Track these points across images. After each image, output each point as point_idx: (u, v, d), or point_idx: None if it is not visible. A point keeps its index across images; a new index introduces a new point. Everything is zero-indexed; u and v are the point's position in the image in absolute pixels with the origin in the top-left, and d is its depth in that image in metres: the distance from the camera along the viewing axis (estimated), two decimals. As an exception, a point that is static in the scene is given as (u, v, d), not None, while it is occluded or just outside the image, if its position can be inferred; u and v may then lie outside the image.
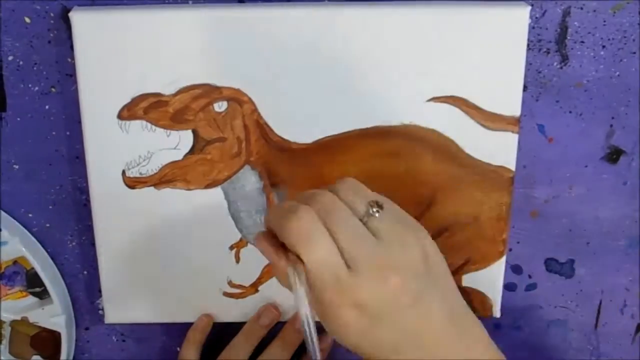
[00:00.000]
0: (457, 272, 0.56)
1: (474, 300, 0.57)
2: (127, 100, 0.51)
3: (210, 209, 0.54)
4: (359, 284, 0.39)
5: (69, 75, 0.53)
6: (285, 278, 0.41)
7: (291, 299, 0.56)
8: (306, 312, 0.40)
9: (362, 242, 0.40)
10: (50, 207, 0.57)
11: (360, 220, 0.41)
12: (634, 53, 0.53)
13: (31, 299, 0.59)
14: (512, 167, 0.53)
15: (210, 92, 0.51)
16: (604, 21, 0.52)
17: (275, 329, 0.58)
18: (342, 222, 0.40)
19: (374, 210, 0.41)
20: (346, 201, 0.41)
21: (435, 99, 0.52)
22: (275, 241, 0.42)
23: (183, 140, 0.52)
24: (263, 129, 0.52)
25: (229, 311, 0.57)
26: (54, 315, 0.58)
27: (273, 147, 0.53)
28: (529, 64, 0.53)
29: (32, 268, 0.57)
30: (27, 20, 0.52)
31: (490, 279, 0.56)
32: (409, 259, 0.40)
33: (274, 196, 0.48)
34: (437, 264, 0.43)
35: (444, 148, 0.53)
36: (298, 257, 0.40)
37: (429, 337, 0.41)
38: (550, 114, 0.55)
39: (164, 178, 0.53)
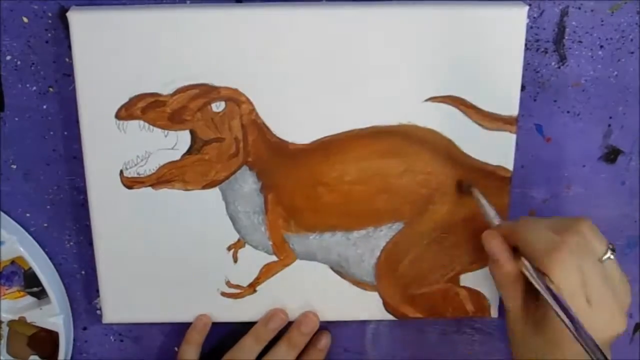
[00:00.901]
0: (455, 271, 0.56)
1: (472, 300, 0.57)
2: (124, 100, 0.51)
3: (208, 210, 0.54)
4: (598, 320, 0.46)
5: (67, 75, 0.53)
6: (510, 280, 0.49)
7: (294, 300, 0.57)
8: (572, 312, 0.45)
9: (602, 282, 0.46)
10: (48, 206, 0.57)
11: (599, 259, 0.47)
12: (632, 53, 0.53)
13: (29, 299, 0.59)
14: (510, 166, 0.53)
15: (208, 92, 0.51)
16: (602, 21, 0.52)
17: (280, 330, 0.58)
18: (588, 263, 0.46)
19: (611, 253, 0.47)
20: (590, 243, 0.47)
21: (433, 99, 0.52)
22: (507, 246, 0.49)
23: (181, 140, 0.52)
24: (261, 129, 0.52)
25: (227, 311, 0.57)
26: (52, 315, 0.58)
27: (271, 147, 0.52)
28: (526, 64, 0.53)
29: (30, 268, 0.57)
30: (25, 20, 0.52)
31: (488, 279, 0.56)
32: (627, 308, 0.48)
33: (487, 210, 0.51)
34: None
35: (442, 148, 0.53)
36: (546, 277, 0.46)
37: None
38: (548, 113, 0.55)
39: (162, 178, 0.53)
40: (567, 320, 0.44)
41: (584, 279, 0.46)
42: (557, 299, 0.45)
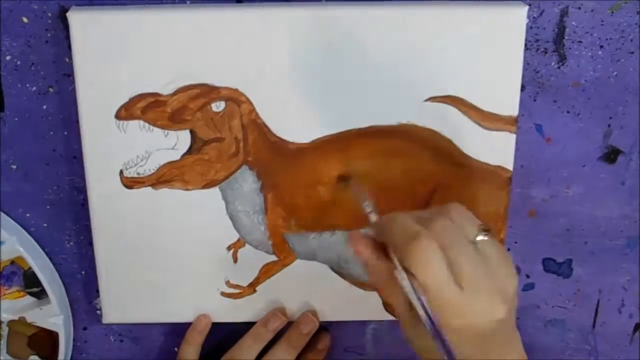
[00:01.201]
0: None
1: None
2: (124, 100, 0.51)
3: (208, 209, 0.54)
4: (474, 306, 0.42)
5: (67, 75, 0.53)
6: (384, 279, 0.44)
7: (294, 300, 0.57)
8: (429, 312, 0.42)
9: (474, 264, 0.42)
10: (48, 207, 0.57)
11: (471, 243, 0.43)
12: (632, 53, 0.53)
13: (29, 299, 0.59)
14: (510, 166, 0.53)
15: (208, 92, 0.51)
16: (602, 21, 0.52)
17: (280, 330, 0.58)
18: (456, 245, 0.42)
19: (484, 234, 0.43)
20: (458, 225, 0.44)
21: (433, 99, 0.52)
22: (373, 244, 0.45)
23: (181, 140, 0.52)
24: (261, 129, 0.52)
25: (227, 311, 0.57)
26: (52, 315, 0.58)
27: (271, 147, 0.52)
28: (526, 64, 0.53)
29: (30, 268, 0.57)
30: (25, 20, 0.52)
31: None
32: (512, 290, 0.43)
33: (365, 205, 0.49)
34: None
35: (441, 148, 0.53)
36: (409, 272, 0.42)
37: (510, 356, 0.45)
38: (548, 113, 0.55)
39: (162, 178, 0.53)
40: (423, 315, 0.41)
41: (453, 263, 0.42)
42: (413, 292, 0.42)
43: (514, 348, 0.45)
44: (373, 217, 0.48)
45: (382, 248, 0.45)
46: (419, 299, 0.42)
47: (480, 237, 0.43)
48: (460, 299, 0.42)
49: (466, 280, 0.42)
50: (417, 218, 0.44)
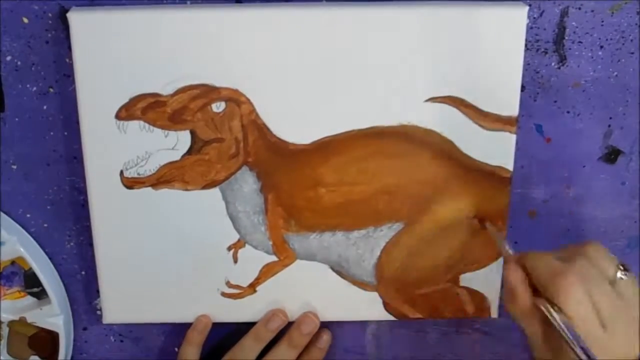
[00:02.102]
0: (455, 271, 0.56)
1: (472, 300, 0.57)
2: (124, 100, 0.51)
3: (208, 210, 0.54)
4: (613, 343, 0.45)
5: (67, 75, 0.53)
6: (525, 309, 0.47)
7: (294, 300, 0.57)
8: (581, 343, 0.44)
9: (615, 306, 0.45)
10: (48, 207, 0.57)
11: (610, 282, 0.46)
12: (632, 53, 0.53)
13: (29, 299, 0.59)
14: (510, 167, 0.53)
15: (208, 92, 0.51)
16: (602, 21, 0.52)
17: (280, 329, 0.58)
18: (598, 287, 0.45)
19: (622, 273, 0.46)
20: (598, 266, 0.46)
21: (433, 99, 0.52)
22: (525, 276, 0.48)
23: (181, 140, 0.52)
24: (261, 129, 0.52)
25: (227, 311, 0.57)
26: (52, 315, 0.58)
27: (271, 147, 0.52)
28: (526, 64, 0.53)
29: (30, 268, 0.57)
30: (25, 20, 0.52)
31: (488, 279, 0.56)
32: None
33: (503, 245, 0.51)
34: None
35: (441, 148, 0.53)
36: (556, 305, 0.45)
37: None
38: (548, 114, 0.55)
39: (162, 178, 0.53)
40: (578, 350, 0.44)
41: (595, 303, 0.45)
42: (567, 328, 0.44)
43: None
44: (511, 251, 0.50)
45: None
46: (568, 330, 0.44)
47: (619, 276, 0.46)
48: (602, 337, 0.44)
49: (606, 320, 0.44)
50: (558, 256, 0.47)
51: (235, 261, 0.56)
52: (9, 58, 0.53)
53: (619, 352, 0.45)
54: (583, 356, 0.44)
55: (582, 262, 0.46)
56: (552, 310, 0.45)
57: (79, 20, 0.50)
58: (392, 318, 0.58)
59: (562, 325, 0.44)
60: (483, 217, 0.54)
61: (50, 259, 0.58)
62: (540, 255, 0.48)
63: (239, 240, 0.55)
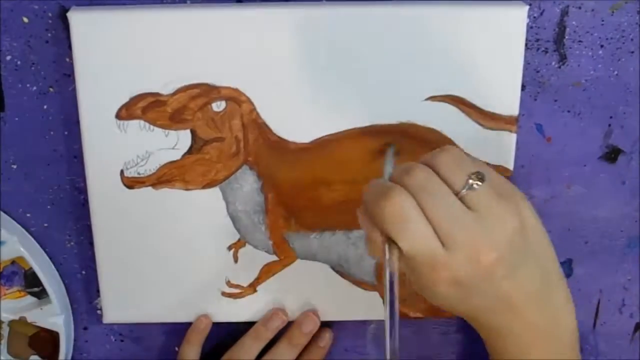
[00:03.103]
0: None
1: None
2: (125, 100, 0.51)
3: (208, 209, 0.54)
4: (455, 262, 0.40)
5: (67, 75, 0.53)
6: (381, 253, 0.41)
7: (294, 299, 0.57)
8: (393, 299, 0.41)
9: (457, 220, 0.40)
10: (49, 207, 0.57)
11: (458, 194, 0.40)
12: (633, 52, 0.53)
13: (29, 299, 0.59)
14: (510, 166, 0.53)
15: (208, 91, 0.51)
16: (602, 21, 0.52)
17: (280, 329, 0.58)
18: (437, 201, 0.40)
19: (473, 183, 0.40)
20: (444, 176, 0.41)
21: (433, 98, 0.52)
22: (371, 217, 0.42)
23: (181, 140, 0.52)
24: (261, 128, 0.52)
25: (228, 311, 0.57)
26: (53, 315, 0.58)
27: (271, 146, 0.52)
28: (527, 64, 0.53)
29: (31, 268, 0.57)
30: (25, 20, 0.52)
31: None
32: (505, 233, 0.41)
33: (387, 154, 0.48)
34: (534, 232, 0.43)
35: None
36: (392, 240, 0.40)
37: (520, 302, 0.43)
38: (549, 113, 0.55)
39: (162, 178, 0.53)
40: (386, 306, 0.40)
41: (432, 219, 0.39)
42: (389, 274, 0.40)
43: (505, 295, 0.42)
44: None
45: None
46: (388, 272, 0.40)
47: (464, 191, 0.40)
48: (443, 255, 0.40)
49: (447, 236, 0.40)
50: (401, 169, 0.41)
51: (236, 261, 0.56)
52: (9, 58, 0.53)
53: (465, 273, 0.40)
54: (387, 312, 0.40)
55: (420, 174, 0.40)
56: (385, 247, 0.40)
57: (79, 20, 0.50)
58: (392, 318, 0.57)
59: (386, 269, 0.40)
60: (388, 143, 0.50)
61: (50, 258, 0.58)
62: (372, 182, 0.42)
63: (239, 240, 0.55)
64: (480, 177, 0.41)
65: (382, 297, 0.43)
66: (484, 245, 0.40)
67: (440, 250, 0.40)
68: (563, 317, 0.46)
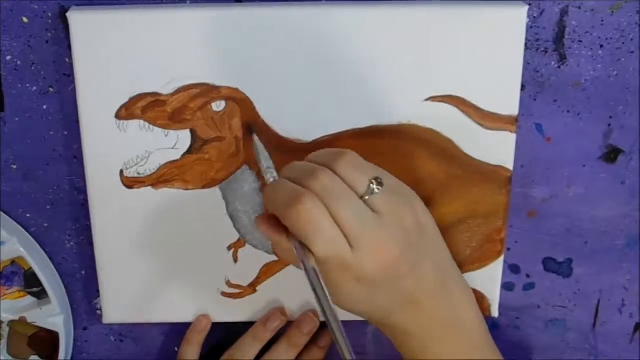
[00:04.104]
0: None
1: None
2: (125, 99, 0.51)
3: (208, 209, 0.54)
4: (361, 261, 0.42)
5: (67, 75, 0.53)
6: (290, 256, 0.43)
7: (294, 300, 0.57)
8: (321, 287, 0.42)
9: (363, 222, 0.42)
10: (48, 207, 0.57)
11: (361, 198, 0.43)
12: (632, 52, 0.53)
13: (29, 299, 0.59)
14: (510, 166, 0.53)
15: (208, 91, 0.51)
16: (602, 20, 0.52)
17: (280, 329, 0.58)
18: (344, 204, 0.42)
19: (375, 187, 0.43)
20: (347, 180, 0.43)
21: (433, 99, 0.52)
22: (275, 221, 0.44)
23: (181, 139, 0.52)
24: (261, 128, 0.52)
25: (227, 311, 0.57)
26: (52, 315, 0.58)
27: (271, 147, 0.52)
28: (526, 64, 0.53)
29: (30, 268, 0.57)
30: (25, 20, 0.52)
31: (489, 279, 0.56)
32: (404, 230, 0.44)
33: (255, 145, 0.48)
34: (429, 228, 0.47)
35: (441, 148, 0.53)
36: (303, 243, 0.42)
37: (421, 297, 0.46)
38: (548, 113, 0.55)
39: (162, 178, 0.53)
40: (320, 303, 0.41)
41: (340, 221, 0.41)
42: (310, 274, 0.41)
43: (408, 291, 0.45)
44: (271, 178, 0.47)
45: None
46: (310, 276, 0.41)
47: (367, 197, 0.43)
48: (352, 258, 0.42)
49: (354, 239, 0.42)
50: (298, 175, 0.43)
51: (236, 261, 0.56)
52: (8, 58, 0.53)
53: (370, 271, 0.42)
54: (320, 310, 0.41)
55: (324, 178, 0.42)
56: (300, 250, 0.42)
57: (78, 20, 0.50)
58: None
59: (306, 270, 0.41)
60: (251, 126, 0.51)
61: (50, 258, 0.58)
62: (277, 184, 0.43)
63: (239, 240, 0.55)
64: (380, 182, 0.43)
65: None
66: (386, 244, 0.43)
67: (349, 252, 0.42)
68: (463, 309, 0.48)
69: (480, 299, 0.57)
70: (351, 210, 0.42)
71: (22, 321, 0.59)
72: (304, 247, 0.42)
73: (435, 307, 0.46)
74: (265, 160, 0.48)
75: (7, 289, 0.59)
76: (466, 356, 0.48)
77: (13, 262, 0.58)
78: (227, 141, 0.52)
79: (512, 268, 0.59)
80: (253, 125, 0.51)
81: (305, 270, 0.42)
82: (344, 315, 0.58)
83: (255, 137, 0.50)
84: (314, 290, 0.42)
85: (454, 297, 0.48)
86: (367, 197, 0.43)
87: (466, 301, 0.49)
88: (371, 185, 0.43)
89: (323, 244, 0.41)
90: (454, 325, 0.48)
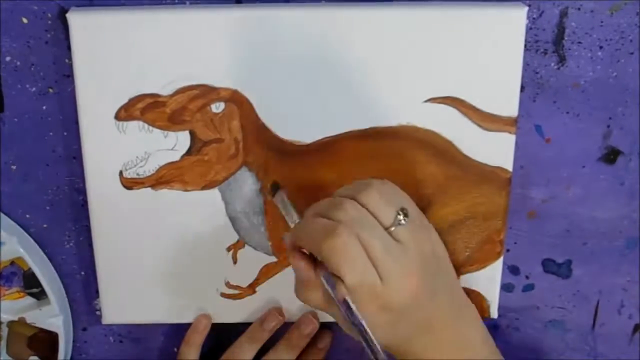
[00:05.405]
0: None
1: (472, 300, 0.57)
2: (124, 101, 0.51)
3: (207, 210, 0.54)
4: (389, 290, 0.44)
5: (67, 76, 0.53)
6: (312, 288, 0.46)
7: (293, 301, 0.56)
8: (362, 322, 0.44)
9: (390, 252, 0.44)
10: (48, 207, 0.57)
11: (387, 229, 0.44)
12: (632, 53, 0.53)
13: (29, 300, 0.59)
14: (510, 167, 0.53)
15: (207, 92, 0.51)
16: (602, 22, 0.52)
17: (280, 330, 0.58)
18: (372, 235, 0.43)
19: (401, 219, 0.45)
20: (373, 211, 0.44)
21: (432, 100, 0.52)
22: (304, 255, 0.46)
23: (180, 141, 0.52)
24: (261, 130, 0.52)
25: (227, 312, 0.57)
26: (52, 315, 0.58)
27: (270, 148, 0.52)
28: (526, 65, 0.53)
29: (30, 269, 0.57)
30: (25, 20, 0.52)
31: (488, 280, 0.56)
32: (424, 259, 0.45)
33: (279, 201, 0.50)
34: (443, 258, 0.49)
35: (441, 149, 0.53)
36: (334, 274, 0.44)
37: (438, 323, 0.47)
38: (548, 114, 0.55)
39: (161, 179, 0.53)
40: (359, 332, 0.43)
41: (370, 254, 0.43)
42: (344, 303, 0.43)
43: (427, 317, 0.47)
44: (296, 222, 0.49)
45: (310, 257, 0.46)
46: (346, 305, 0.44)
47: (394, 228, 0.44)
48: (382, 289, 0.44)
49: (382, 270, 0.43)
50: (324, 211, 0.45)
51: (235, 262, 0.56)
52: (8, 58, 0.53)
53: (397, 300, 0.44)
54: (359, 337, 0.43)
55: (351, 211, 0.44)
56: (333, 283, 0.44)
57: (78, 21, 0.50)
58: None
59: (339, 300, 0.43)
60: (276, 182, 0.52)
61: (49, 259, 0.58)
62: (305, 222, 0.45)
63: (238, 241, 0.55)
64: (406, 213, 0.45)
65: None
66: (409, 273, 0.44)
67: (378, 281, 0.44)
68: (473, 330, 0.51)
69: (480, 300, 0.57)
70: (379, 241, 0.43)
71: (22, 322, 0.59)
72: (336, 277, 0.44)
73: (449, 332, 0.48)
74: (289, 214, 0.50)
75: (7, 290, 0.59)
76: None
77: (12, 262, 0.58)
78: (226, 143, 0.52)
79: (511, 269, 0.59)
80: (279, 182, 0.52)
81: (338, 301, 0.44)
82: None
83: (282, 194, 0.51)
84: (352, 320, 0.44)
85: (465, 320, 0.50)
86: (393, 229, 0.44)
87: (475, 322, 0.51)
88: (398, 216, 0.45)
89: (355, 274, 0.43)
90: (466, 347, 0.49)
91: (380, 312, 0.44)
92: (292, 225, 0.49)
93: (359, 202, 0.44)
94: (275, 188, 0.52)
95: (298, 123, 0.52)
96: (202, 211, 0.54)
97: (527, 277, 0.59)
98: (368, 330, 0.44)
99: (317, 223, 0.44)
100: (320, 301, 0.47)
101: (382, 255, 0.43)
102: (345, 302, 0.44)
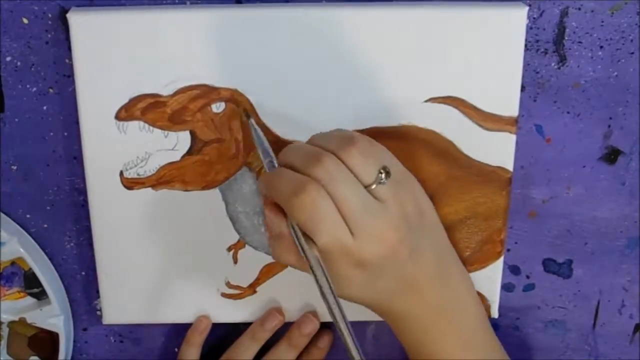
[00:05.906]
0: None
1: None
2: (124, 101, 0.51)
3: (208, 210, 0.54)
4: (362, 247, 0.43)
5: (67, 76, 0.53)
6: (287, 245, 0.44)
7: (294, 300, 0.57)
8: (331, 289, 0.43)
9: (366, 210, 0.42)
10: (48, 207, 0.57)
11: (367, 187, 0.43)
12: (632, 53, 0.53)
13: (29, 300, 0.59)
14: (510, 167, 0.53)
15: (208, 92, 0.51)
16: (602, 22, 0.52)
17: (280, 330, 0.58)
18: (347, 192, 0.42)
19: (382, 177, 0.43)
20: (354, 169, 0.43)
21: (433, 100, 0.52)
22: (279, 207, 0.44)
23: (181, 141, 0.52)
24: (261, 129, 0.52)
25: (227, 312, 0.57)
26: (52, 316, 0.58)
27: (271, 148, 0.52)
28: (526, 65, 0.53)
29: (30, 269, 0.57)
30: (25, 20, 0.52)
31: (488, 280, 0.56)
32: (405, 216, 0.44)
33: (252, 130, 0.48)
34: (428, 215, 0.48)
35: (441, 149, 0.53)
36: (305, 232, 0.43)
37: (421, 282, 0.46)
38: (548, 114, 0.55)
39: (162, 179, 0.53)
40: (326, 298, 0.43)
41: (342, 209, 0.42)
42: (314, 262, 0.42)
43: (409, 275, 0.46)
44: (268, 166, 0.46)
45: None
46: (312, 265, 0.42)
47: (374, 186, 0.43)
48: (352, 245, 0.42)
49: (356, 228, 0.42)
50: (300, 153, 0.43)
51: (235, 262, 0.56)
52: (8, 58, 0.53)
53: (370, 256, 0.43)
54: (323, 299, 0.43)
55: (329, 165, 0.42)
56: (301, 241, 0.42)
57: (78, 21, 0.50)
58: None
59: (308, 259, 0.42)
60: (248, 110, 0.51)
61: (50, 259, 0.58)
62: (277, 172, 0.43)
63: (238, 241, 0.55)
64: (388, 171, 0.43)
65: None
66: (388, 228, 0.43)
67: (350, 238, 0.42)
68: (462, 293, 0.49)
69: (480, 299, 0.57)
70: (354, 198, 0.42)
71: (22, 322, 0.59)
72: (306, 236, 0.43)
73: (434, 291, 0.47)
74: (262, 146, 0.48)
75: (7, 290, 0.59)
76: (466, 339, 0.49)
77: (13, 262, 0.58)
78: (227, 143, 0.52)
79: (512, 269, 0.59)
80: (250, 111, 0.51)
81: (307, 259, 0.42)
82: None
83: (252, 121, 0.49)
84: (317, 280, 0.43)
85: (453, 282, 0.49)
86: (373, 187, 0.43)
87: (465, 286, 0.50)
88: (380, 174, 0.43)
89: (326, 233, 0.42)
90: (453, 309, 0.48)
91: (353, 269, 0.44)
92: (264, 163, 0.47)
93: (339, 158, 0.43)
94: (248, 116, 0.50)
95: (298, 123, 0.52)
96: (203, 211, 0.54)
97: (527, 277, 0.59)
98: (335, 294, 0.42)
99: (287, 177, 0.43)
100: (295, 260, 0.45)
101: (354, 211, 0.42)
102: (314, 262, 0.42)
